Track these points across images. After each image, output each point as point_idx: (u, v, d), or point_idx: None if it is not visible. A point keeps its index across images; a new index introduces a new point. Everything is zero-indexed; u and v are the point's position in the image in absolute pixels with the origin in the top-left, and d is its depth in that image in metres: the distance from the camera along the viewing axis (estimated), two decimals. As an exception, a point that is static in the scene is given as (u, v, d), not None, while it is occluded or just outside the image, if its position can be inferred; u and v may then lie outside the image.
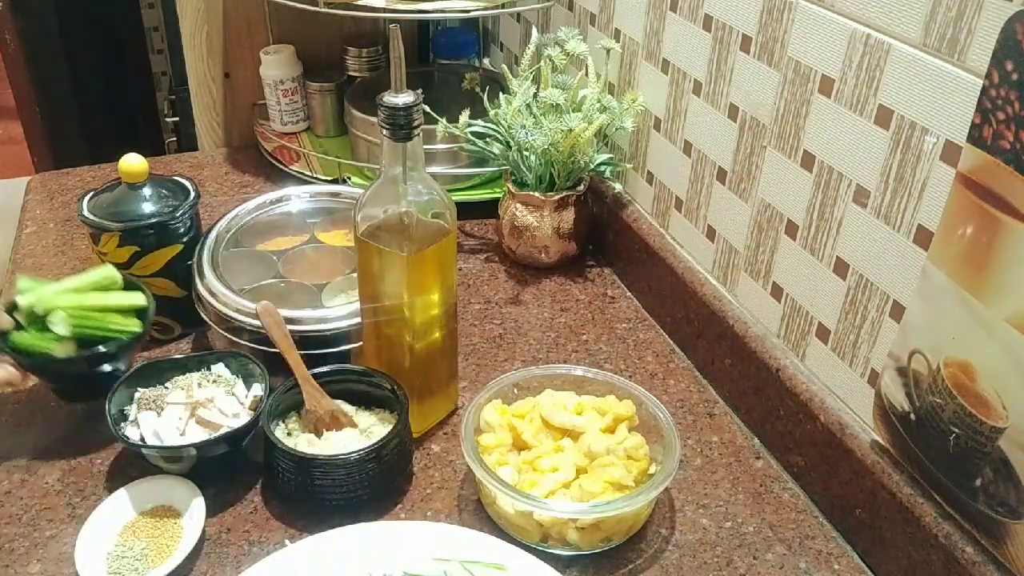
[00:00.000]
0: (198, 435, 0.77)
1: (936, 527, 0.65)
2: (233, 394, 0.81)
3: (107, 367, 0.82)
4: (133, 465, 0.79)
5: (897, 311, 0.68)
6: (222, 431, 0.76)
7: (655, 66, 0.97)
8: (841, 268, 0.74)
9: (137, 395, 0.80)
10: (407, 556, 0.69)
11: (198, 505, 0.73)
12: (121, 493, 0.74)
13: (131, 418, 0.78)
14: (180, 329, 0.95)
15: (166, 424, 0.77)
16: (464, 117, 1.06)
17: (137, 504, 0.74)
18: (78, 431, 0.83)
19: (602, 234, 1.13)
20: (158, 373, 0.82)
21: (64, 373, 0.83)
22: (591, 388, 0.82)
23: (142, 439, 0.76)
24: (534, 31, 1.09)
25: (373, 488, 0.75)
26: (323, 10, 1.08)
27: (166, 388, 0.81)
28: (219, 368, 0.83)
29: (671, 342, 0.99)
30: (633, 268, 1.06)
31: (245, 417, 0.79)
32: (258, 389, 0.81)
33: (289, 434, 0.79)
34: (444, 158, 1.18)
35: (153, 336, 0.94)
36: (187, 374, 0.82)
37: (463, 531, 0.71)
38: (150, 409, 0.78)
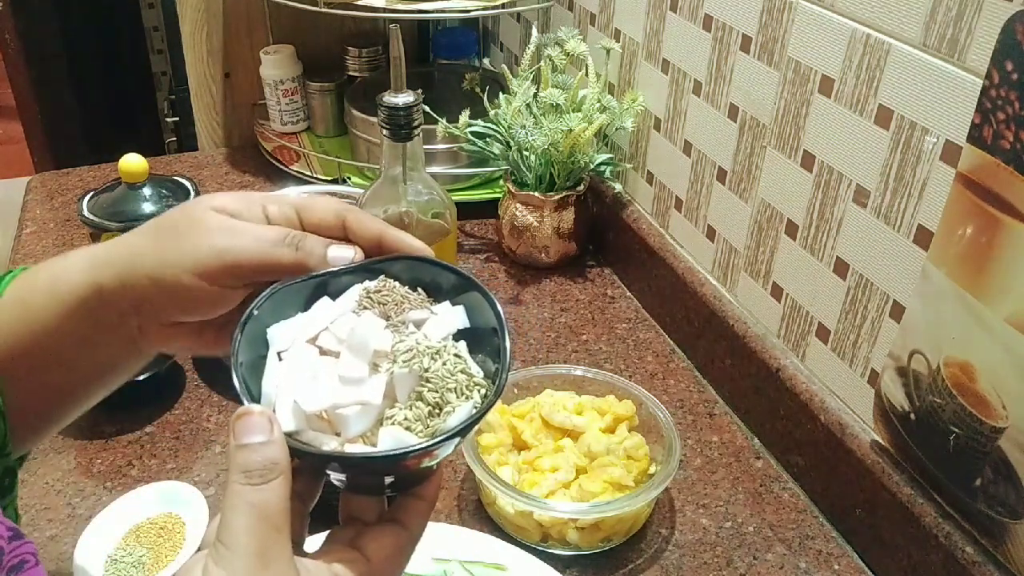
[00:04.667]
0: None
1: (936, 527, 0.65)
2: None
3: None
4: (133, 465, 0.79)
5: (897, 311, 0.68)
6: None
7: (655, 66, 0.97)
8: (841, 268, 0.74)
9: (359, 288, 0.44)
10: (407, 556, 0.69)
11: (204, 517, 0.72)
12: (131, 495, 0.73)
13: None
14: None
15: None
16: (464, 117, 1.05)
17: (146, 509, 0.73)
18: (78, 431, 0.83)
19: (602, 234, 1.13)
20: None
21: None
22: (591, 388, 0.82)
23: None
24: (534, 31, 1.09)
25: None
26: (323, 10, 1.08)
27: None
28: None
29: (671, 342, 0.99)
30: (633, 268, 1.06)
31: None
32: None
33: None
34: (444, 158, 1.18)
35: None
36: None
37: (463, 531, 0.71)
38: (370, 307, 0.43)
